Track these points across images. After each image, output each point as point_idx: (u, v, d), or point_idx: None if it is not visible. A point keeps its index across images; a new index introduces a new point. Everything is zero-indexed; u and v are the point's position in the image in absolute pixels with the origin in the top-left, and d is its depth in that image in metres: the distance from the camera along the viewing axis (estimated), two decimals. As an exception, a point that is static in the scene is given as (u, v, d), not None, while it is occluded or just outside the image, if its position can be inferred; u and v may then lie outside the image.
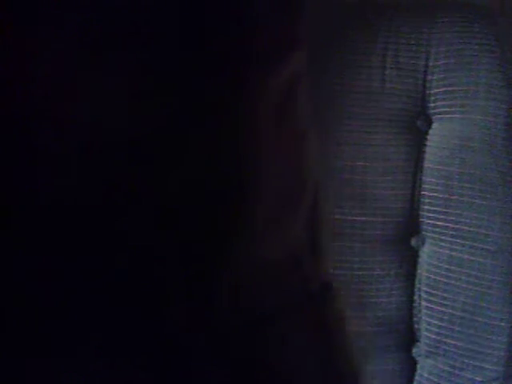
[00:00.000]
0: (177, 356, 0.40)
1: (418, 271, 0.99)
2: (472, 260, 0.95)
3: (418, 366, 0.99)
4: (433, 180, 0.98)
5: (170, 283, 0.40)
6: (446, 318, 0.96)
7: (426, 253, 0.99)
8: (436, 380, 0.97)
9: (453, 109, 0.97)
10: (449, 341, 0.96)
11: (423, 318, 0.98)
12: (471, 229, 0.95)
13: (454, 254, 0.96)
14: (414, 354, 0.99)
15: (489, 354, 0.95)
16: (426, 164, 0.98)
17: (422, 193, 0.98)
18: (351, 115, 0.97)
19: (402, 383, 1.00)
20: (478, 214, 0.95)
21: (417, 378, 0.99)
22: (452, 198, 0.96)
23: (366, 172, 0.97)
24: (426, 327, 0.98)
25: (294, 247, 0.46)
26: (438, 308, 0.97)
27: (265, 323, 0.43)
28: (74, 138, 0.37)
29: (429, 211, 0.98)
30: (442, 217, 0.97)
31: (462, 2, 1.00)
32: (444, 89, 0.97)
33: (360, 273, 0.97)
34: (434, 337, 0.97)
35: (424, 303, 0.98)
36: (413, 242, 0.99)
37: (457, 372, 0.96)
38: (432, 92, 0.98)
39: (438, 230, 0.97)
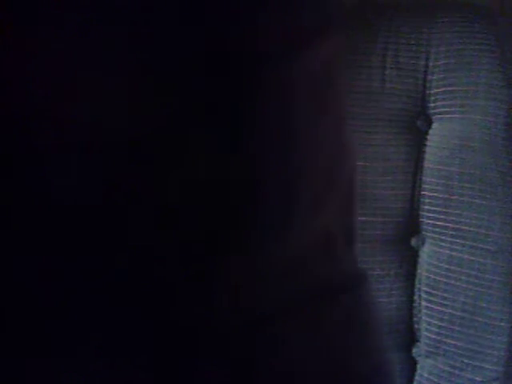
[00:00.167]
0: (177, 356, 0.40)
1: (418, 271, 0.99)
2: (472, 260, 0.95)
3: (418, 366, 0.99)
4: (433, 180, 0.97)
5: (170, 283, 0.40)
6: (445, 318, 0.96)
7: (426, 253, 0.98)
8: (436, 380, 0.97)
9: (453, 109, 0.97)
10: (449, 341, 0.96)
11: (423, 318, 0.98)
12: (471, 229, 0.95)
13: (454, 253, 0.96)
14: (413, 354, 0.99)
15: (489, 354, 0.95)
16: (426, 164, 0.98)
17: (422, 193, 0.98)
18: (351, 115, 0.97)
19: (402, 383, 1.00)
20: (478, 214, 0.95)
21: (417, 378, 0.99)
22: (452, 198, 0.96)
23: (365, 172, 0.97)
24: (426, 327, 0.97)
25: (326, 237, 0.45)
26: (438, 308, 0.97)
27: (282, 316, 0.43)
28: (73, 138, 0.37)
29: (429, 211, 0.98)
30: (442, 217, 0.97)
31: (461, 2, 1.00)
32: (444, 89, 0.97)
33: (360, 273, 0.97)
34: (434, 337, 0.97)
35: (424, 303, 0.98)
36: (413, 242, 0.99)
37: (457, 372, 0.96)
38: (432, 92, 0.98)
39: (438, 229, 0.97)
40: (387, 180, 0.98)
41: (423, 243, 0.99)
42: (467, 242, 0.95)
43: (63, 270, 0.38)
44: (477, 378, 0.95)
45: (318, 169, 0.43)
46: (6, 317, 0.38)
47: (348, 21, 0.98)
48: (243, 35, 0.39)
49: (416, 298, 0.98)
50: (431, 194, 0.97)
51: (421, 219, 0.99)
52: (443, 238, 0.97)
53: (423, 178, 0.98)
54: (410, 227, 0.99)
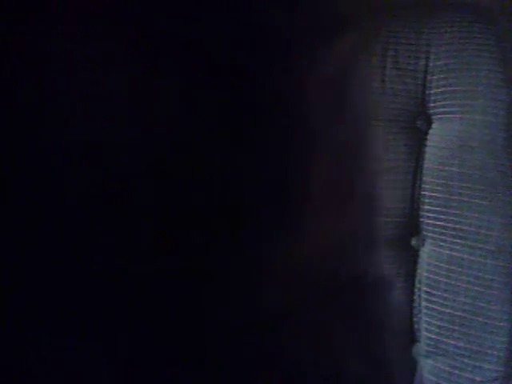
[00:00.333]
0: (198, 352, 0.40)
1: (418, 271, 0.99)
2: (472, 260, 0.95)
3: (418, 366, 0.99)
4: (433, 180, 0.98)
5: (191, 282, 0.40)
6: (445, 318, 0.96)
7: (426, 253, 0.98)
8: (436, 380, 0.97)
9: (453, 109, 0.97)
10: (449, 341, 0.96)
11: (423, 318, 0.98)
12: (471, 229, 0.95)
13: (454, 253, 0.96)
14: (413, 354, 0.99)
15: (489, 354, 0.95)
16: (426, 164, 0.98)
17: (422, 193, 0.98)
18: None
19: (402, 383, 1.00)
20: (478, 214, 0.95)
21: (417, 377, 0.99)
22: (452, 198, 0.96)
23: (366, 172, 0.97)
24: (426, 327, 0.97)
25: (349, 235, 0.45)
26: (438, 308, 0.97)
27: (317, 321, 0.43)
28: (78, 138, 0.37)
29: (429, 211, 0.98)
30: (442, 217, 0.97)
31: (462, 2, 1.00)
32: (444, 89, 0.97)
33: (360, 273, 0.97)
34: (434, 337, 0.97)
35: (424, 303, 0.98)
36: (413, 242, 0.99)
37: (457, 372, 0.96)
38: (432, 92, 0.98)
39: (437, 230, 0.97)
40: (387, 180, 0.98)
41: (423, 243, 0.99)
42: (467, 242, 0.95)
43: (72, 270, 0.38)
44: (477, 378, 0.95)
45: (336, 169, 0.43)
46: (8, 316, 0.38)
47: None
48: (258, 34, 0.38)
49: (416, 297, 0.98)
50: (431, 194, 0.97)
51: (421, 219, 0.99)
52: (443, 237, 0.97)
53: (423, 178, 0.98)
54: (410, 227, 0.99)
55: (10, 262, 0.38)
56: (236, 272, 0.40)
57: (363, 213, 0.46)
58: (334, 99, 0.42)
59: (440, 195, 0.97)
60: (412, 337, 0.99)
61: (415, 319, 0.99)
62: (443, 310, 0.96)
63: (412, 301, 0.98)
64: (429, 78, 0.98)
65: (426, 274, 0.98)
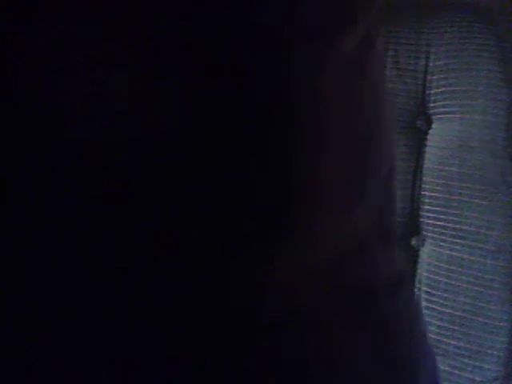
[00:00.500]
0: (221, 356, 0.40)
1: (418, 271, 0.99)
2: (472, 260, 0.95)
3: (418, 366, 0.99)
4: (433, 180, 0.97)
5: (214, 281, 0.39)
6: (445, 318, 0.96)
7: (426, 253, 0.98)
8: (436, 380, 0.97)
9: (453, 109, 0.97)
10: (449, 341, 0.96)
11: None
12: (471, 229, 0.95)
13: (454, 253, 0.96)
14: (413, 354, 0.99)
15: (489, 354, 0.95)
16: (426, 164, 0.98)
17: (422, 193, 0.98)
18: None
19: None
20: (478, 214, 0.95)
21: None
22: (452, 198, 0.96)
23: (366, 172, 0.97)
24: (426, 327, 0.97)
25: (359, 236, 0.44)
26: (438, 308, 0.96)
27: (321, 325, 0.43)
28: (78, 138, 0.37)
29: (429, 211, 0.98)
30: (442, 217, 0.97)
31: (462, 2, 1.00)
32: (444, 89, 0.97)
33: (360, 273, 0.97)
34: (434, 337, 0.97)
35: (424, 303, 0.97)
36: (413, 242, 0.99)
37: (457, 372, 0.96)
38: (432, 92, 0.98)
39: (437, 230, 0.97)
40: (387, 180, 0.98)
41: (423, 243, 0.99)
42: (467, 242, 0.95)
43: (79, 271, 0.38)
44: (477, 378, 0.95)
45: (350, 167, 0.43)
46: (8, 316, 0.38)
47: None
48: (258, 34, 0.38)
49: (416, 298, 0.98)
50: (431, 194, 0.97)
51: (421, 219, 0.98)
52: (443, 237, 0.97)
53: (423, 178, 0.98)
54: (410, 227, 0.99)
55: (10, 262, 0.38)
56: (236, 272, 0.40)
57: (374, 212, 0.45)
58: (339, 98, 0.42)
59: (440, 195, 0.97)
60: (412, 337, 0.99)
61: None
62: (443, 310, 0.96)
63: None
64: (429, 78, 0.98)
65: (425, 274, 0.98)
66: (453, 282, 0.96)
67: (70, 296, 0.38)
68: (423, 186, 0.98)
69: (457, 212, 0.96)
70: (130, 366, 0.39)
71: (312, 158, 0.40)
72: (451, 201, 0.96)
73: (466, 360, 0.95)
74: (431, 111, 0.99)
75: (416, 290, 0.98)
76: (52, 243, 0.38)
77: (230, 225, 0.39)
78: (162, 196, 0.38)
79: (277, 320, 0.41)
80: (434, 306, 0.97)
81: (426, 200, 0.98)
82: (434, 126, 0.99)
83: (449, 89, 0.97)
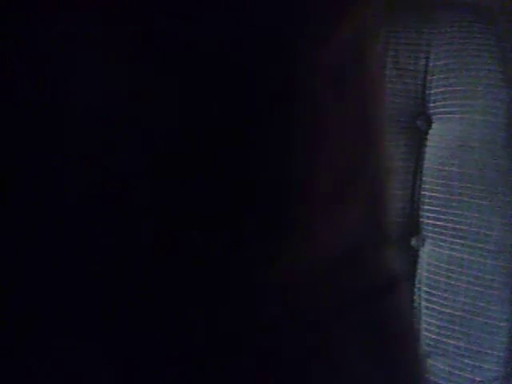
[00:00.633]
0: (198, 353, 0.40)
1: (418, 271, 0.99)
2: (472, 260, 0.95)
3: (418, 366, 0.99)
4: (433, 180, 0.98)
5: (215, 281, 0.39)
6: (445, 318, 0.96)
7: (426, 253, 0.98)
8: (436, 380, 0.97)
9: (453, 109, 0.97)
10: (448, 341, 0.96)
11: (423, 317, 0.98)
12: (471, 229, 0.95)
13: (454, 253, 0.96)
14: (413, 354, 0.99)
15: (489, 354, 0.95)
16: (426, 164, 0.98)
17: (422, 193, 0.98)
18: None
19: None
20: (478, 214, 0.95)
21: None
22: (452, 198, 0.96)
23: (365, 172, 0.97)
24: (426, 327, 0.97)
25: (355, 236, 0.44)
26: (438, 308, 0.97)
27: (320, 325, 0.43)
28: (78, 138, 0.37)
29: (429, 211, 0.98)
30: (442, 217, 0.97)
31: (462, 2, 1.00)
32: (444, 89, 0.97)
33: (360, 273, 0.97)
34: (433, 337, 0.97)
35: (424, 303, 0.98)
36: (413, 242, 0.99)
37: (456, 372, 0.96)
38: (432, 92, 0.98)
39: (437, 230, 0.97)
40: (387, 180, 0.98)
41: (423, 243, 0.99)
42: (467, 242, 0.95)
43: (79, 271, 0.38)
44: (477, 378, 0.95)
45: (344, 167, 0.42)
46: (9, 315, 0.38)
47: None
48: (257, 33, 0.38)
49: (416, 298, 0.98)
50: (431, 194, 0.97)
51: (421, 219, 0.99)
52: (443, 238, 0.97)
53: (423, 178, 0.98)
54: (410, 227, 0.99)
55: (9, 262, 0.38)
56: (236, 272, 0.40)
57: (370, 212, 0.45)
58: (338, 95, 0.42)
59: (440, 195, 0.97)
60: (412, 337, 0.99)
61: (415, 319, 0.99)
62: (443, 310, 0.96)
63: (412, 301, 0.98)
64: (429, 78, 0.98)
65: (426, 274, 0.98)
66: (453, 282, 0.96)
67: (70, 296, 0.38)
68: (423, 185, 0.98)
69: (457, 212, 0.96)
70: (130, 365, 0.39)
71: (310, 157, 0.40)
72: (451, 201, 0.96)
73: (465, 360, 0.95)
74: (431, 111, 0.99)
75: (416, 289, 0.98)
76: (52, 243, 0.38)
77: (230, 225, 0.39)
78: (161, 196, 0.38)
79: (277, 320, 0.41)
80: (434, 306, 0.97)
81: (426, 200, 0.98)
82: (434, 125, 0.99)
83: (449, 89, 0.97)
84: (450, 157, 0.97)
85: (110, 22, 0.37)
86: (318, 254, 0.42)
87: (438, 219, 0.97)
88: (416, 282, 0.98)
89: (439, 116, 0.98)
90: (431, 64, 0.98)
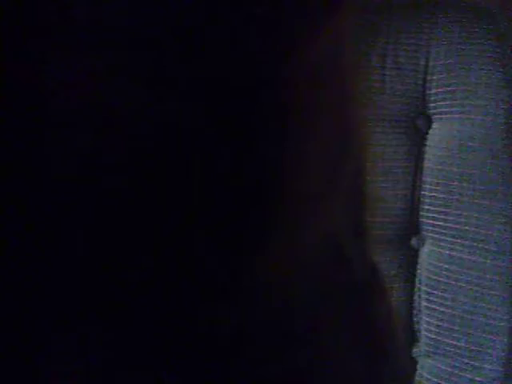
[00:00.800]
0: (198, 351, 0.40)
1: (418, 271, 0.99)
2: (472, 260, 0.95)
3: (418, 366, 0.99)
4: (433, 180, 0.98)
5: (196, 283, 0.40)
6: (445, 317, 0.96)
7: (426, 253, 0.99)
8: (436, 380, 0.97)
9: (453, 109, 0.97)
10: (449, 341, 0.96)
11: (423, 317, 0.98)
12: (471, 229, 0.95)
13: (454, 253, 0.96)
14: (413, 354, 0.99)
15: (489, 354, 0.95)
16: (426, 164, 0.98)
17: (422, 193, 0.98)
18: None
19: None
20: (478, 214, 0.95)
21: (417, 378, 0.99)
22: (452, 197, 0.96)
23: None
24: (426, 327, 0.98)
25: (335, 228, 0.45)
26: (438, 308, 0.97)
27: (298, 315, 0.43)
28: (78, 138, 0.37)
29: (429, 211, 0.98)
30: (441, 217, 0.97)
31: (461, 2, 1.00)
32: (444, 89, 0.97)
33: (360, 273, 0.97)
34: (433, 337, 0.97)
35: (424, 303, 0.98)
36: (413, 241, 0.99)
37: (457, 372, 0.96)
38: (432, 92, 0.98)
39: (437, 229, 0.97)
40: (387, 180, 0.98)
41: (423, 243, 0.99)
42: (467, 242, 0.95)
43: (79, 271, 0.38)
44: (477, 378, 0.95)
45: (317, 166, 0.43)
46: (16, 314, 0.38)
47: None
48: (244, 30, 0.38)
49: (416, 298, 0.98)
50: (431, 194, 0.97)
51: (421, 219, 0.99)
52: (443, 238, 0.97)
53: (423, 178, 0.98)
54: (410, 227, 0.99)
55: (10, 261, 0.38)
56: (235, 271, 0.40)
57: (346, 211, 0.46)
58: (320, 89, 0.42)
59: (440, 195, 0.97)
60: (412, 337, 0.99)
61: (415, 319, 0.99)
62: (443, 310, 0.96)
63: (412, 301, 0.98)
64: (429, 77, 0.98)
65: (426, 274, 0.98)
66: (453, 282, 0.96)
67: (70, 296, 0.39)
68: (423, 186, 0.98)
69: (457, 212, 0.96)
70: (130, 365, 0.39)
71: (291, 157, 0.41)
72: (451, 201, 0.97)
73: (465, 360, 0.95)
74: (431, 111, 0.99)
75: (416, 289, 0.99)
76: (52, 243, 0.38)
77: (229, 224, 0.40)
78: (161, 196, 0.38)
79: (264, 314, 0.42)
80: (433, 306, 0.97)
81: (426, 200, 0.98)
82: (434, 125, 0.99)
83: (449, 89, 0.97)
84: (449, 157, 0.97)
85: (109, 30, 0.37)
86: (302, 248, 0.42)
87: (438, 219, 0.97)
88: (416, 281, 0.99)
89: (439, 116, 0.98)
90: (431, 64, 0.98)
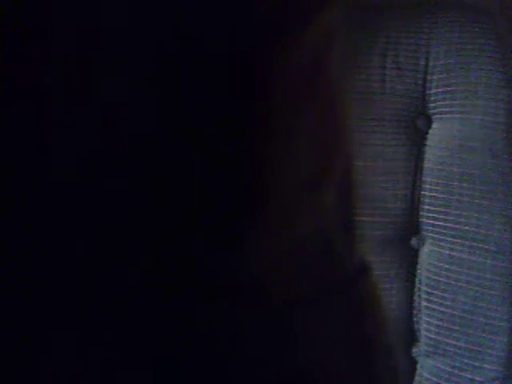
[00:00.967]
0: (198, 349, 0.40)
1: (418, 271, 0.99)
2: (472, 260, 0.95)
3: (418, 366, 0.99)
4: (433, 180, 0.98)
5: (191, 278, 0.40)
6: (445, 317, 0.96)
7: (425, 253, 0.99)
8: (436, 380, 0.97)
9: (453, 109, 0.97)
10: (449, 341, 0.96)
11: (423, 317, 0.98)
12: (471, 229, 0.95)
13: (454, 253, 0.96)
14: (413, 354, 0.99)
15: (489, 354, 0.95)
16: (426, 164, 0.98)
17: (422, 193, 0.98)
18: (351, 115, 0.97)
19: (401, 383, 1.00)
20: (478, 214, 0.95)
21: (417, 378, 0.99)
22: (452, 198, 0.96)
23: (365, 172, 0.97)
24: (426, 327, 0.98)
25: (325, 224, 0.45)
26: (438, 308, 0.97)
27: (292, 312, 0.43)
28: (78, 138, 0.37)
29: (429, 211, 0.98)
30: (441, 217, 0.97)
31: (462, 2, 1.00)
32: (444, 89, 0.97)
33: (360, 273, 0.97)
34: (433, 337, 0.97)
35: (424, 303, 0.98)
36: (413, 241, 0.99)
37: (457, 372, 0.96)
38: (432, 92, 0.98)
39: (437, 229, 0.97)
40: (387, 180, 0.98)
41: (423, 243, 0.99)
42: (467, 242, 0.95)
43: (79, 271, 0.38)
44: (477, 378, 0.95)
45: (305, 160, 0.43)
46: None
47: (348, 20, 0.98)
48: (232, 34, 0.38)
49: (416, 298, 0.98)
50: (431, 194, 0.98)
51: (421, 219, 0.99)
52: (443, 238, 0.97)
53: (423, 178, 0.98)
54: (409, 227, 0.99)
55: (9, 261, 0.38)
56: (235, 271, 0.40)
57: (336, 206, 0.46)
58: (306, 88, 0.42)
59: (440, 195, 0.97)
60: (412, 337, 0.99)
61: (415, 319, 0.99)
62: (443, 309, 0.96)
63: (412, 301, 0.99)
64: (429, 77, 0.98)
65: (426, 274, 0.98)
66: (453, 282, 0.96)
67: (71, 295, 0.39)
68: (423, 186, 0.98)
69: (457, 212, 0.96)
70: (130, 365, 0.39)
71: (280, 156, 0.41)
72: (451, 201, 0.97)
73: (465, 360, 0.95)
74: (431, 111, 0.99)
75: (416, 289, 0.99)
76: (52, 243, 0.38)
77: (229, 224, 0.40)
78: (160, 196, 0.39)
79: (252, 309, 0.42)
80: (433, 306, 0.97)
81: (426, 200, 0.98)
82: (434, 125, 0.99)
83: (449, 89, 0.97)
84: (450, 157, 0.97)
85: (105, 34, 0.37)
86: (293, 241, 0.43)
87: (438, 219, 0.97)
88: (416, 281, 0.99)
89: (439, 116, 0.98)
90: (431, 64, 0.98)
